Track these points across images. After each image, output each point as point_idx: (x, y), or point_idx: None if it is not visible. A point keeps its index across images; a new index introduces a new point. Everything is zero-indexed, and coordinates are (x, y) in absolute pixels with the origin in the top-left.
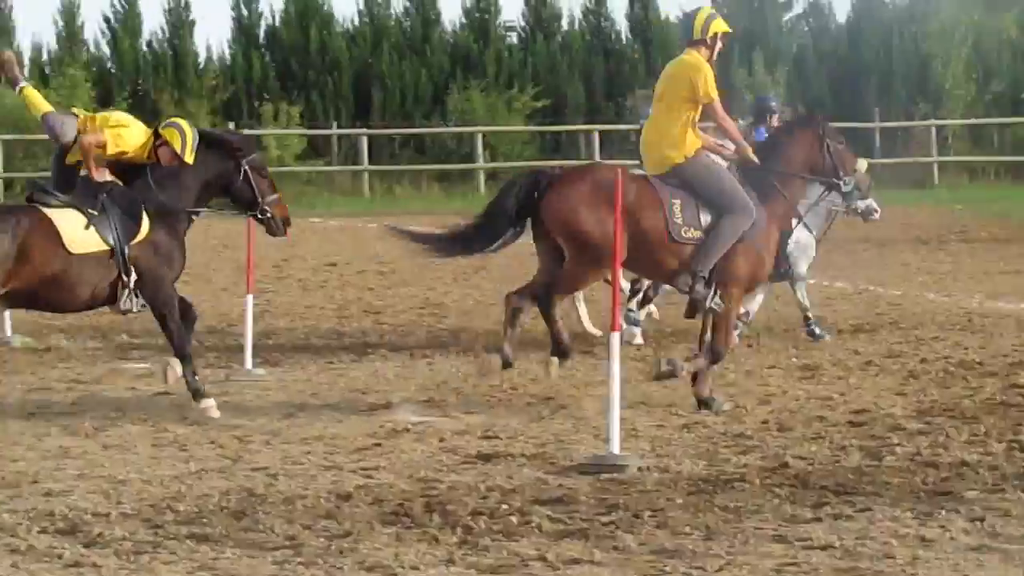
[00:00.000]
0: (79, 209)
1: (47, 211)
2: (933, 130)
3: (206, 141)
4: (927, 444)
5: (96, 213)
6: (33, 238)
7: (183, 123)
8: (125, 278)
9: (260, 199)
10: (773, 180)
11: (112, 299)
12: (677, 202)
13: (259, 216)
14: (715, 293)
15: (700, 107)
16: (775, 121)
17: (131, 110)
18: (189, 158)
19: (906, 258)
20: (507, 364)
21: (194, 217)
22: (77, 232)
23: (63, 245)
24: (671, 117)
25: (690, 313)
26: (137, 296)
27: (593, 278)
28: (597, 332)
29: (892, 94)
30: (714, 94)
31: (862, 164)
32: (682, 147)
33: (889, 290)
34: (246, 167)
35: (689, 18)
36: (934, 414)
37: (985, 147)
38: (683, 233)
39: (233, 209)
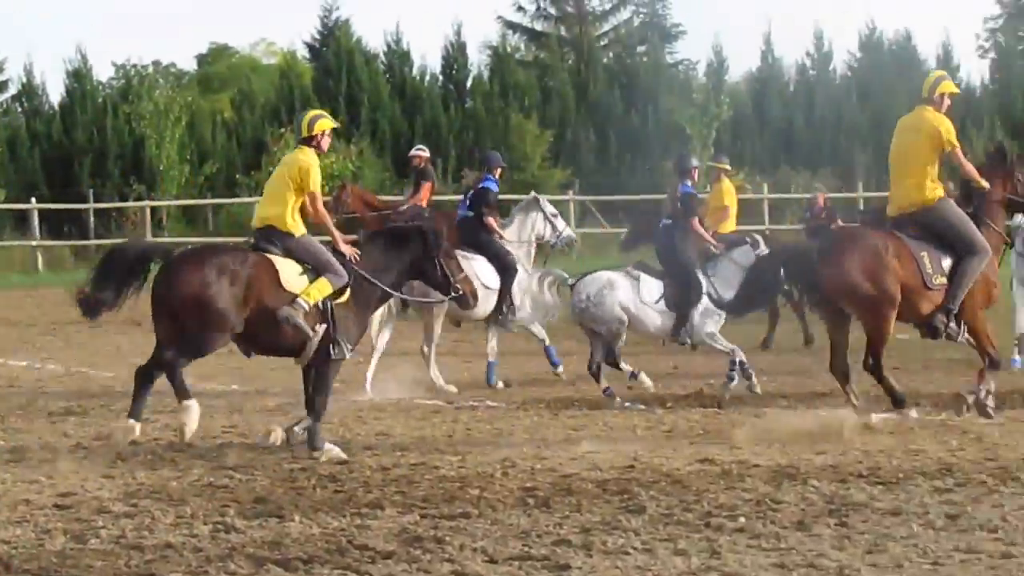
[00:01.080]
0: (296, 260)
1: (270, 256)
2: (148, 210)
3: (403, 233)
4: (132, 526)
5: (309, 266)
6: (259, 274)
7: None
8: (319, 328)
9: (452, 280)
10: (983, 215)
11: (301, 350)
12: (924, 254)
13: (452, 294)
14: (962, 326)
15: (942, 154)
16: (695, 175)
17: None
18: None
19: (118, 340)
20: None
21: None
22: (294, 276)
23: (281, 285)
24: (918, 165)
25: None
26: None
27: (888, 328)
28: (451, 388)
29: (106, 174)
30: (956, 142)
31: None
32: (930, 191)
33: (100, 372)
34: (439, 254)
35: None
36: (141, 496)
37: (200, 227)
38: (934, 281)
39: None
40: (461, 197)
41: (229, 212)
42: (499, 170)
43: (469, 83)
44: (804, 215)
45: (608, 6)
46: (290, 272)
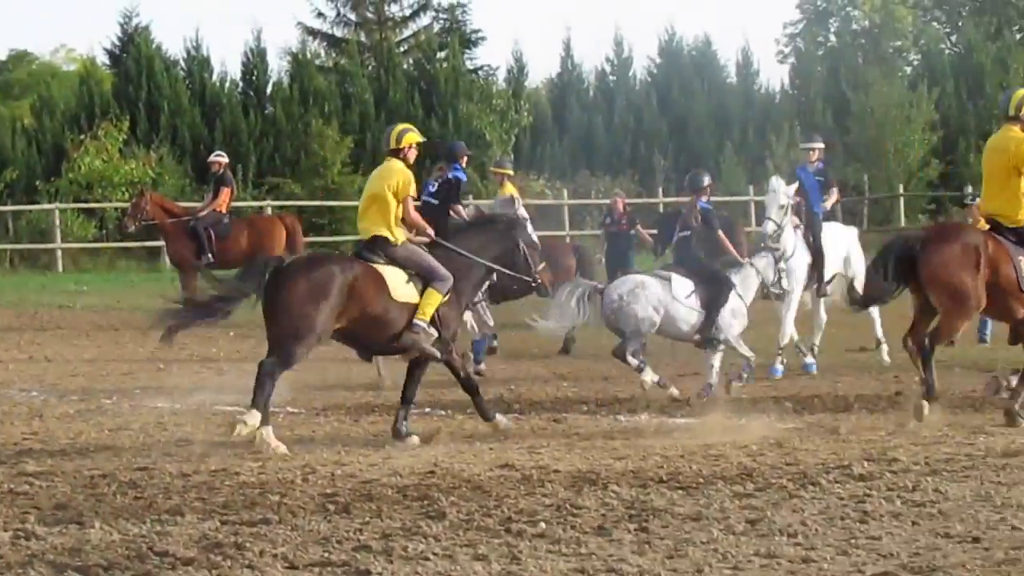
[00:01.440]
0: (401, 268)
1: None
2: None
3: (493, 224)
4: None
5: (413, 273)
6: (364, 283)
7: None
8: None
9: (534, 269)
10: None
11: (404, 348)
12: (1021, 259)
13: (532, 283)
14: None
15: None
16: (709, 192)
17: None
18: None
19: None
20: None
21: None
22: (400, 284)
23: (388, 292)
24: (1009, 184)
25: (1014, 341)
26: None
27: (962, 326)
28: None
29: None
30: None
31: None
32: (1020, 211)
33: None
34: (523, 244)
35: (1007, 97)
36: None
37: (1, 235)
38: None
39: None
40: (427, 184)
41: (29, 219)
42: (465, 158)
43: (269, 89)
44: (604, 220)
45: (408, 12)
46: (397, 280)
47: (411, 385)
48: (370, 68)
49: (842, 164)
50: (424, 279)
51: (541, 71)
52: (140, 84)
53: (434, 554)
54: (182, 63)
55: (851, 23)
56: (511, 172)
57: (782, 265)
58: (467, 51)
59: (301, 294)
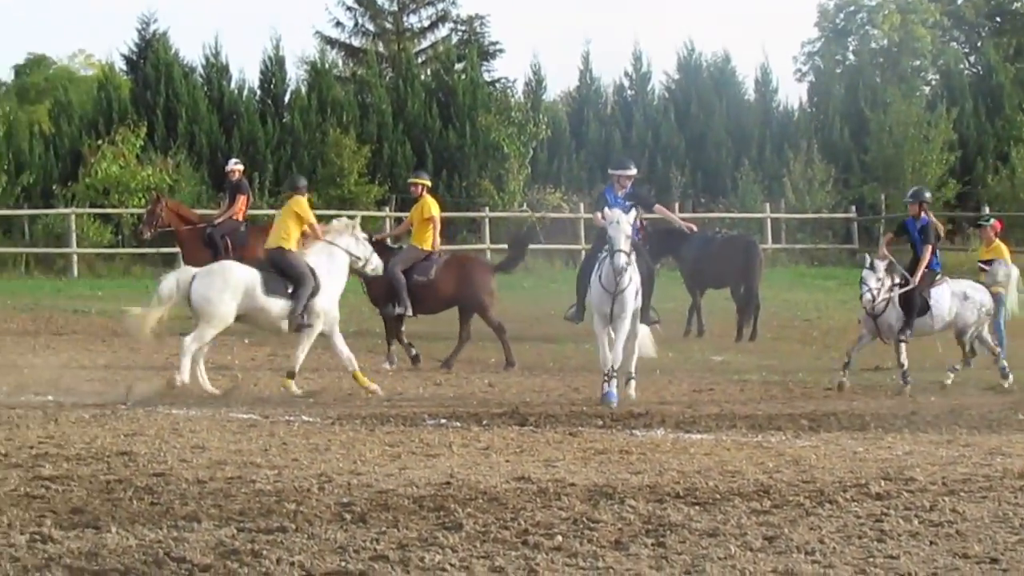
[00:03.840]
0: None
1: None
2: None
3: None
4: None
5: None
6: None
7: None
8: None
9: None
10: None
11: None
12: None
13: None
14: None
15: None
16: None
17: None
18: None
19: None
20: None
21: None
22: None
23: None
24: None
25: None
26: None
27: None
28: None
29: None
30: None
31: None
32: None
33: None
34: None
35: None
36: None
37: (15, 238)
38: None
39: None
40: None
41: (45, 223)
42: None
43: (287, 98)
44: None
45: (427, 23)
46: None
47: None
48: (388, 78)
49: (859, 183)
50: None
51: (559, 84)
52: (158, 90)
53: (451, 565)
54: (200, 70)
55: (870, 42)
56: (428, 183)
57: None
58: (485, 63)
59: None
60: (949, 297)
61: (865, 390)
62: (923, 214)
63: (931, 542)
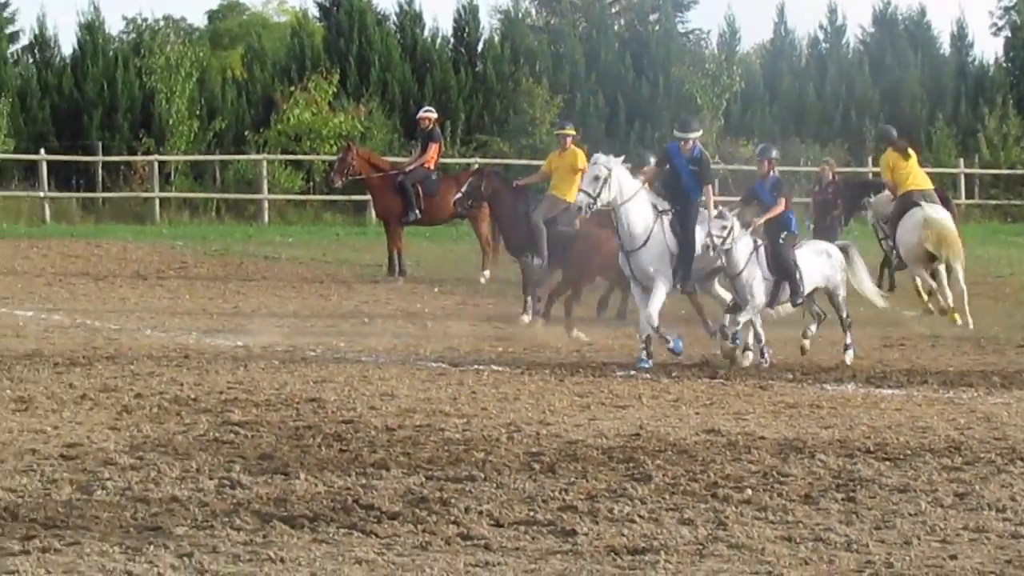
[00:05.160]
0: None
1: None
2: (156, 165)
3: None
4: (139, 479)
5: None
6: None
7: None
8: None
9: None
10: None
11: None
12: None
13: None
14: None
15: None
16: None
17: None
18: None
19: (124, 293)
20: None
21: None
22: None
23: None
24: None
25: None
26: None
27: None
28: None
29: (116, 128)
30: None
31: None
32: None
33: (106, 324)
34: None
35: None
36: (147, 449)
37: (207, 184)
38: None
39: None
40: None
41: (236, 169)
42: None
43: (480, 46)
44: (812, 188)
45: None
46: None
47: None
48: (581, 28)
49: None
50: None
51: (753, 36)
52: (351, 38)
53: (640, 516)
54: (393, 18)
55: None
56: (574, 133)
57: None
58: (679, 14)
59: None
60: None
61: None
62: (771, 172)
63: None
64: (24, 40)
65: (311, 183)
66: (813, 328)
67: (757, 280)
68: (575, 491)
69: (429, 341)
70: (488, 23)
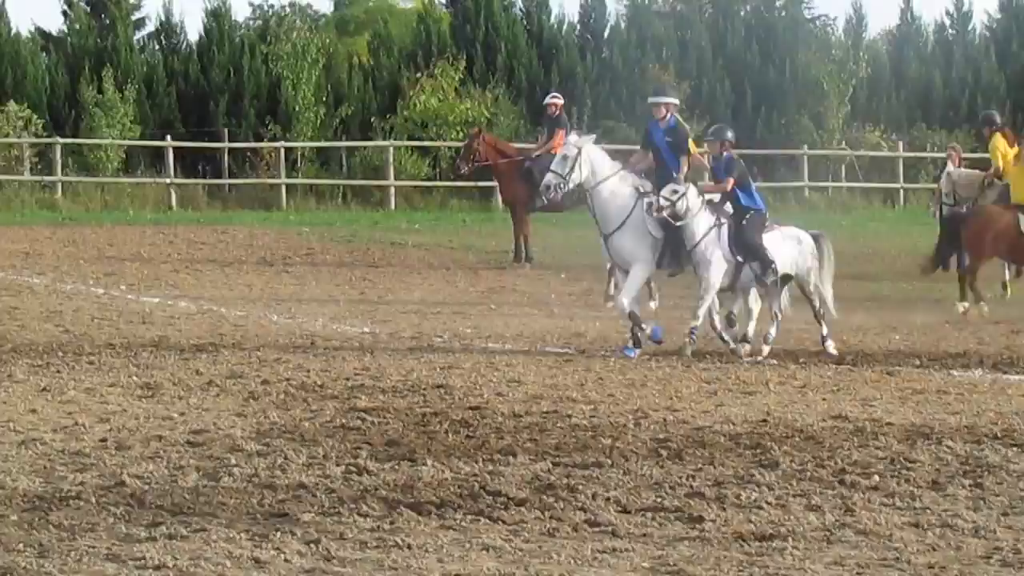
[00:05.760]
0: None
1: None
2: (282, 151)
3: None
4: (265, 465)
5: None
6: None
7: None
8: None
9: None
10: None
11: None
12: None
13: None
14: None
15: None
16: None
17: None
18: None
19: (251, 279)
20: None
21: None
22: None
23: None
24: None
25: None
26: None
27: None
28: None
29: (242, 114)
30: None
31: None
32: None
33: (232, 310)
34: None
35: None
36: (274, 436)
37: (333, 170)
38: None
39: None
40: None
41: (363, 155)
42: None
43: (606, 33)
44: (938, 174)
45: None
46: None
47: None
48: (708, 14)
49: None
50: None
51: (880, 22)
52: (478, 24)
53: (767, 503)
54: (520, 4)
55: None
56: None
57: None
58: (806, 1)
59: None
60: None
61: None
62: (724, 152)
63: None
64: (150, 27)
65: (437, 169)
66: (773, 331)
67: (716, 259)
68: (702, 477)
69: (556, 327)
70: (614, 9)
